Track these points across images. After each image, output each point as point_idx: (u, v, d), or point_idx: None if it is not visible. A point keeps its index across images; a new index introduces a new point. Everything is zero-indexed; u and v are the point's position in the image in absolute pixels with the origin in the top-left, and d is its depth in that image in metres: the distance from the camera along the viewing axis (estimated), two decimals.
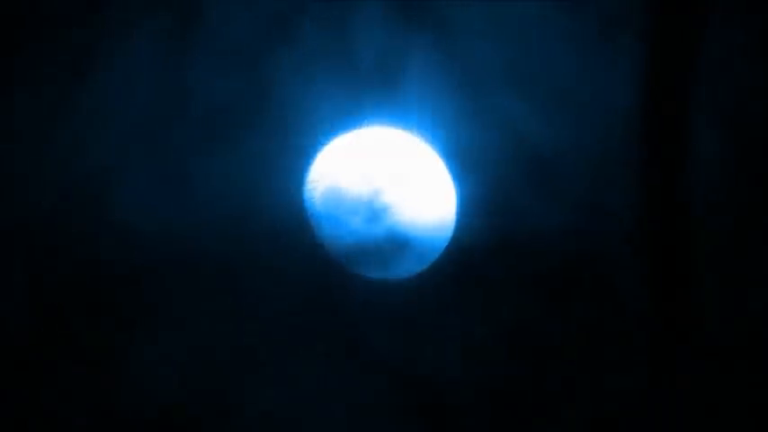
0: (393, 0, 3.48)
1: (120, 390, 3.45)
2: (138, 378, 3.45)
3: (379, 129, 3.45)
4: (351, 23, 3.48)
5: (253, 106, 3.48)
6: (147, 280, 3.47)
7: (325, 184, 3.42)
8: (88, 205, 3.49)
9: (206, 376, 3.46)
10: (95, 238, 3.48)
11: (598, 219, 3.49)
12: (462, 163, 3.45)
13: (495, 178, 3.46)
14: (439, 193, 3.42)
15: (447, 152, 3.44)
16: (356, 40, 3.48)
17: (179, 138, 3.50)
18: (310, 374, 3.47)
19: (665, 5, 3.48)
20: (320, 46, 3.48)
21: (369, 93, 3.46)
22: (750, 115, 3.46)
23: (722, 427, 3.41)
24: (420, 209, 3.40)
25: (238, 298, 3.46)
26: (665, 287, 3.47)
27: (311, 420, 3.46)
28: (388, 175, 3.39)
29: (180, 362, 3.46)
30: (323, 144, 3.44)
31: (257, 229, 3.45)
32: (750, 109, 3.46)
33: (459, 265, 3.46)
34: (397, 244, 3.40)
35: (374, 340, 3.47)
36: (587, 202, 3.49)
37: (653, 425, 3.44)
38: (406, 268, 3.45)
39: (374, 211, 3.38)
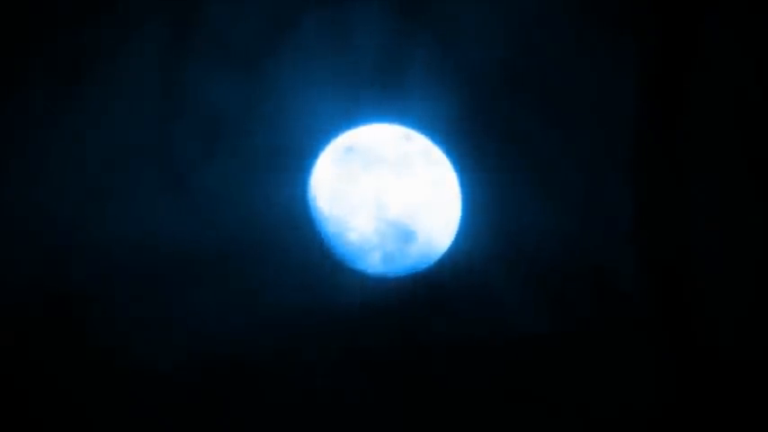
0: (393, 0, 3.48)
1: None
2: (137, 378, 3.45)
3: (380, 128, 3.45)
4: (351, 23, 3.48)
5: (253, 106, 3.48)
6: (147, 282, 3.47)
7: (327, 184, 3.42)
8: (87, 206, 3.49)
9: (206, 376, 3.46)
10: (94, 239, 3.47)
11: (599, 219, 3.49)
12: (463, 162, 3.45)
13: (495, 177, 3.46)
14: (440, 191, 3.43)
15: (448, 151, 3.44)
16: (356, 40, 3.48)
17: (179, 138, 3.50)
18: (310, 374, 3.47)
19: (667, 7, 3.49)
20: (320, 46, 3.49)
21: (369, 93, 3.47)
22: (750, 115, 3.47)
23: (724, 426, 3.41)
24: (421, 207, 3.40)
25: (240, 298, 3.46)
26: (666, 288, 3.47)
27: (311, 420, 3.46)
28: (388, 175, 3.39)
29: (179, 362, 3.46)
30: (324, 144, 3.44)
31: (259, 230, 3.45)
32: (750, 108, 3.46)
33: (460, 264, 3.46)
34: (399, 243, 3.40)
35: (374, 339, 3.48)
36: (588, 202, 3.49)
37: (653, 424, 3.44)
38: (408, 267, 3.45)
39: (374, 211, 3.38)
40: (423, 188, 3.40)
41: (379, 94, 3.46)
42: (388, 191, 3.37)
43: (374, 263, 3.42)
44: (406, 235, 3.39)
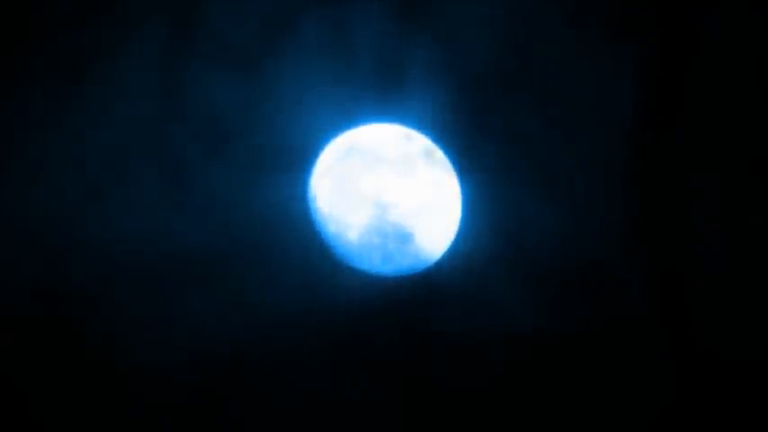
0: (393, 0, 3.48)
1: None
2: (137, 379, 3.45)
3: (380, 128, 3.45)
4: (351, 24, 3.48)
5: (253, 106, 3.48)
6: (147, 282, 3.47)
7: (327, 184, 3.42)
8: (87, 206, 3.49)
9: (206, 376, 3.46)
10: (94, 239, 3.47)
11: (599, 219, 3.49)
12: (463, 162, 3.45)
13: (495, 177, 3.46)
14: (440, 191, 3.43)
15: (448, 151, 3.44)
16: (356, 40, 3.48)
17: (179, 138, 3.50)
18: (310, 374, 3.47)
19: (667, 7, 3.49)
20: (320, 46, 3.48)
21: (369, 93, 3.47)
22: (750, 115, 3.46)
23: (724, 426, 3.41)
24: (420, 207, 3.40)
25: (240, 298, 3.46)
26: (666, 288, 3.47)
27: (311, 420, 3.46)
28: (389, 175, 3.39)
29: (179, 362, 3.45)
30: (324, 144, 3.44)
31: (259, 230, 3.45)
32: (750, 108, 3.46)
33: (460, 264, 3.46)
34: (399, 243, 3.40)
35: (374, 339, 3.47)
36: (588, 202, 3.49)
37: (653, 424, 3.44)
38: (408, 267, 3.45)
39: (375, 211, 3.38)
40: (423, 188, 3.40)
41: (380, 94, 3.46)
42: (388, 191, 3.37)
43: (374, 263, 3.42)
44: (406, 235, 3.39)
